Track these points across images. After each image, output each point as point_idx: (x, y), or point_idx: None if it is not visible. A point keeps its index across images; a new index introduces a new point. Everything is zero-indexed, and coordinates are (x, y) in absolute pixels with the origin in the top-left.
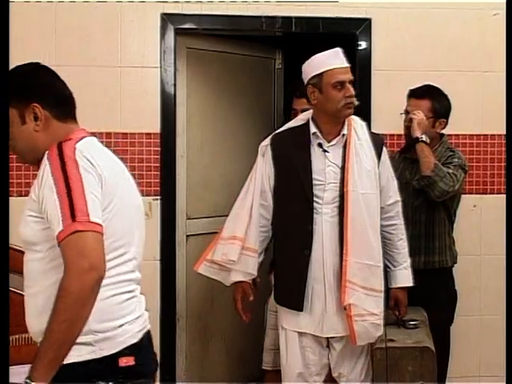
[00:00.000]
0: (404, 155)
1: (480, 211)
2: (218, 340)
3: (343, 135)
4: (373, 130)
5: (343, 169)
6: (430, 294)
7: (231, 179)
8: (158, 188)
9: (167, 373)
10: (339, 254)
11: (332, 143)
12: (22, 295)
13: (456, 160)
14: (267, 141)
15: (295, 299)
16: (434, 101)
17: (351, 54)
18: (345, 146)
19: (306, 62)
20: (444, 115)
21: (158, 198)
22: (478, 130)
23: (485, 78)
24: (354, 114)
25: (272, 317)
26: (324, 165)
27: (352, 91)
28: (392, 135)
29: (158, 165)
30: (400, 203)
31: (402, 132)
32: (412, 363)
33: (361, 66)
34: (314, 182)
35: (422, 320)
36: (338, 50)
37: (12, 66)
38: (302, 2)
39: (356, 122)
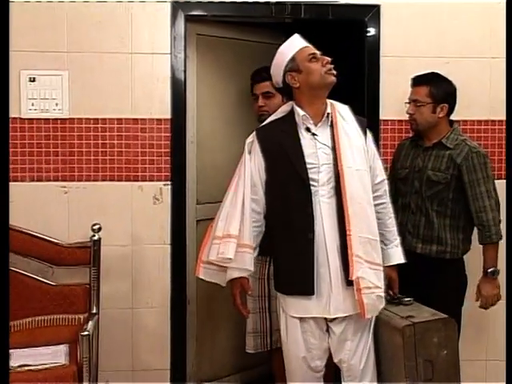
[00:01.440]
0: (415, 142)
1: None
2: (226, 322)
3: (328, 114)
4: (381, 116)
5: (334, 149)
6: (442, 280)
7: None
8: (169, 173)
9: (178, 354)
10: (340, 233)
11: (319, 125)
12: (35, 278)
13: (481, 171)
14: (252, 136)
15: (304, 285)
16: (431, 86)
17: (360, 40)
18: (332, 127)
19: (274, 59)
20: (445, 100)
21: (169, 183)
22: (485, 116)
23: (492, 64)
24: (363, 99)
25: (250, 301)
26: (315, 148)
27: (328, 58)
28: (400, 121)
29: (169, 150)
30: (386, 182)
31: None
32: (437, 335)
33: (369, 52)
34: (308, 165)
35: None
36: (297, 36)
37: (28, 53)
38: None
39: (338, 105)
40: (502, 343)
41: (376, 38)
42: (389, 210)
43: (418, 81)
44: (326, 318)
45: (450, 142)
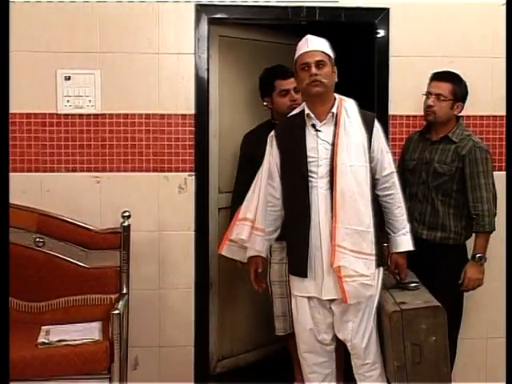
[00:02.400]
0: (424, 135)
1: None
2: (246, 303)
3: (332, 114)
4: (390, 111)
5: (333, 145)
6: (447, 264)
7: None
8: (193, 165)
9: (201, 332)
10: (330, 223)
11: (324, 122)
12: (70, 261)
13: (482, 165)
14: (273, 132)
15: (300, 267)
16: (454, 85)
17: (370, 41)
18: (336, 125)
19: None
20: (461, 99)
21: (193, 173)
22: (488, 112)
23: (494, 63)
24: (373, 96)
25: (276, 287)
26: (316, 143)
27: (313, 70)
28: (408, 116)
29: (193, 143)
30: (395, 174)
31: (418, 113)
32: (425, 322)
33: (379, 52)
34: (309, 159)
35: (419, 282)
36: (307, 37)
37: (64, 54)
38: None
39: (347, 101)
40: (502, 321)
41: (385, 39)
42: (397, 200)
43: (442, 77)
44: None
45: (455, 137)
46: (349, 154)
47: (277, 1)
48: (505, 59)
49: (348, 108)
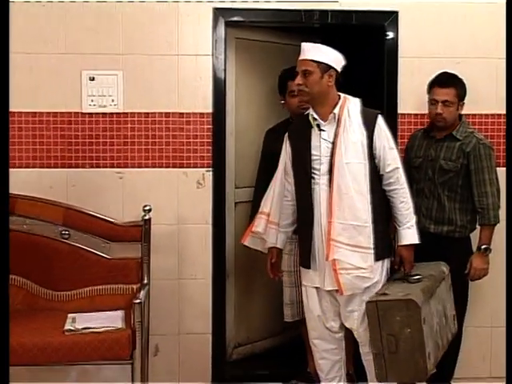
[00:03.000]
0: (428, 133)
1: None
2: (261, 293)
3: (334, 114)
4: (399, 110)
5: (333, 144)
6: (453, 256)
7: None
8: (211, 161)
9: (218, 320)
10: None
11: (327, 122)
12: (94, 253)
13: (486, 161)
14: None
15: (305, 259)
16: (457, 87)
17: (380, 42)
18: (338, 124)
19: None
20: (464, 98)
21: (211, 169)
22: (493, 110)
23: (498, 63)
24: (383, 95)
25: (285, 276)
26: (319, 142)
27: (296, 80)
28: (416, 114)
29: (211, 140)
30: (400, 170)
31: (426, 111)
32: (399, 314)
33: (388, 53)
34: (312, 157)
35: (430, 274)
36: (304, 44)
37: (89, 56)
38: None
39: (350, 101)
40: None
41: (394, 41)
42: (400, 195)
43: (445, 82)
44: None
45: (459, 134)
46: (346, 152)
47: (292, 1)
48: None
49: (350, 107)
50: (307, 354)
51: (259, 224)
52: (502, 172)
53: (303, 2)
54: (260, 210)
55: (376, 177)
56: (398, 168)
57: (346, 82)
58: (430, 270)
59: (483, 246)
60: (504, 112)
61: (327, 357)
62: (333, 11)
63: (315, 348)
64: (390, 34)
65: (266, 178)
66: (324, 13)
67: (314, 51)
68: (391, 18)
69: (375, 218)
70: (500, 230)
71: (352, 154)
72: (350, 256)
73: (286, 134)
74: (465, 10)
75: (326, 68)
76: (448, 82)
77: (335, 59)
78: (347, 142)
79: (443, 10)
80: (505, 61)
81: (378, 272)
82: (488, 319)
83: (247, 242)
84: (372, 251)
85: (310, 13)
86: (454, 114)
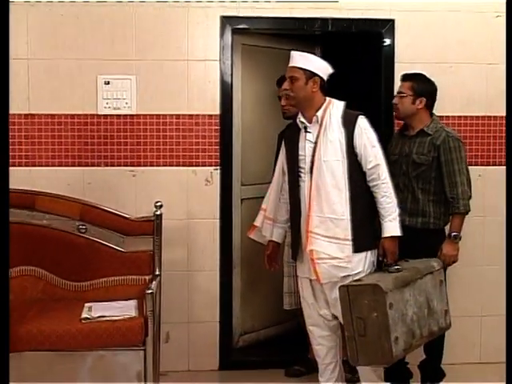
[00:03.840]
0: (402, 133)
1: (484, 180)
2: (267, 284)
3: (316, 117)
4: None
5: (315, 144)
6: (427, 246)
7: None
8: (218, 160)
9: (225, 309)
10: None
11: (312, 124)
12: (109, 246)
13: (455, 152)
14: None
15: (293, 251)
16: (413, 82)
17: (378, 49)
18: (320, 126)
19: None
20: (423, 95)
21: (218, 168)
22: (482, 112)
23: (489, 69)
24: (379, 99)
25: (285, 266)
26: (304, 142)
27: (284, 85)
28: None
29: (218, 141)
30: (381, 166)
31: None
32: (367, 298)
33: (385, 59)
34: (300, 157)
35: (413, 267)
36: (293, 53)
37: (104, 61)
38: (337, 8)
39: (334, 104)
40: (496, 300)
41: (391, 47)
42: (381, 189)
43: (404, 77)
44: None
45: (430, 130)
46: (325, 150)
47: None
48: (499, 65)
49: (333, 110)
50: (308, 341)
51: (258, 219)
52: (500, 171)
53: (305, 10)
54: (261, 205)
55: (357, 173)
56: (378, 165)
57: (345, 86)
58: (416, 264)
59: (453, 234)
60: (494, 114)
61: (323, 343)
62: (333, 19)
63: (311, 334)
64: (387, 41)
65: None
66: (325, 21)
67: (301, 59)
68: (388, 25)
69: (354, 212)
70: (499, 227)
71: (330, 152)
72: (326, 246)
73: (284, 136)
74: (456, 18)
75: (310, 75)
76: (405, 78)
77: (320, 67)
78: (326, 141)
79: (436, 18)
80: (497, 66)
81: (361, 263)
82: (478, 309)
83: (252, 235)
84: (350, 242)
85: (311, 21)
86: (408, 105)
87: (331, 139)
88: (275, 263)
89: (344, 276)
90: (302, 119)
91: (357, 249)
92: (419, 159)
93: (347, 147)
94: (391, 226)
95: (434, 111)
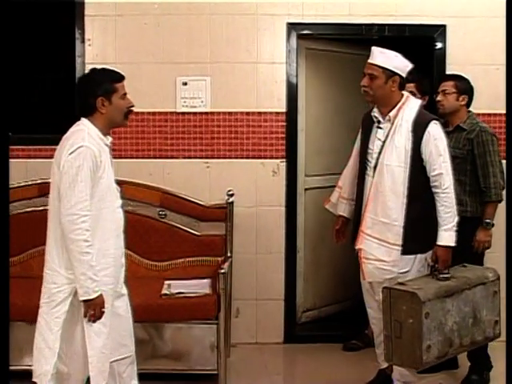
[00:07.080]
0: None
1: None
2: (327, 266)
3: (389, 116)
4: None
5: (383, 143)
6: (464, 233)
7: (339, 147)
8: (284, 153)
9: (290, 288)
10: None
11: (385, 121)
12: (186, 230)
13: (488, 145)
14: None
15: (353, 237)
16: (456, 81)
17: (430, 52)
18: (391, 126)
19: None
20: (465, 93)
21: (284, 160)
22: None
23: None
24: (432, 99)
25: None
26: (375, 137)
27: (362, 82)
28: None
29: (284, 136)
30: (443, 175)
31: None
32: (405, 304)
33: (437, 62)
34: (369, 150)
35: (464, 276)
36: (374, 48)
37: (182, 64)
38: (392, 15)
39: (409, 104)
40: None
41: (443, 51)
42: (442, 198)
43: (446, 77)
44: None
45: (466, 125)
46: (389, 154)
47: (354, 20)
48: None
49: (406, 111)
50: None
51: (334, 195)
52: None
53: (363, 17)
54: (338, 183)
55: (420, 179)
56: (442, 174)
57: None
58: (467, 273)
59: (486, 221)
60: None
61: (376, 323)
62: (389, 25)
63: (369, 314)
64: (439, 45)
65: None
66: (382, 26)
67: (381, 56)
68: (440, 30)
69: (409, 218)
70: (499, 227)
71: (394, 157)
72: (374, 248)
73: (362, 118)
74: (502, 23)
75: (390, 74)
76: (448, 78)
77: (400, 65)
78: (392, 145)
79: (484, 23)
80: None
81: (409, 263)
82: None
83: (328, 206)
84: (399, 248)
85: (369, 26)
86: (452, 102)
87: (397, 145)
88: (343, 237)
89: (390, 278)
90: (377, 114)
91: (405, 252)
92: (455, 153)
93: (413, 153)
94: (446, 236)
95: (472, 109)
